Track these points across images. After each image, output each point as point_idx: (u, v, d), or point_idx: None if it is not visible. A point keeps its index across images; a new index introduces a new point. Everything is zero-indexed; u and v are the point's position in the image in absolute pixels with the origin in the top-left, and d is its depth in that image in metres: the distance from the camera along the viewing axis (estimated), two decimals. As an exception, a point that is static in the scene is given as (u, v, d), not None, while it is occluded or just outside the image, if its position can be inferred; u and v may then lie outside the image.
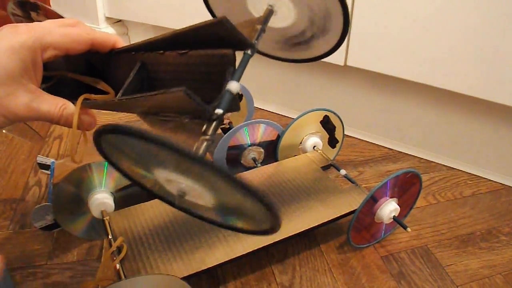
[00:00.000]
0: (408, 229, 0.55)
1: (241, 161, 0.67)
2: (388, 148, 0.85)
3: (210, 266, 0.47)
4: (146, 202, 0.56)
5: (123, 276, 0.45)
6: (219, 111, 0.29)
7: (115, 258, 0.46)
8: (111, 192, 0.55)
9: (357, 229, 0.57)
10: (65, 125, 0.33)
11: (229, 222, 0.34)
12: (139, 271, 0.46)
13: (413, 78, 0.73)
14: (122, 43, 0.36)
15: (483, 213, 0.68)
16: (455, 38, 0.66)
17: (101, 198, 0.53)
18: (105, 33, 0.35)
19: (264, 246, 0.50)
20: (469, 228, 0.65)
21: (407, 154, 0.83)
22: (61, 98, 0.32)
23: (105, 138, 0.28)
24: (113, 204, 0.54)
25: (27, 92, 0.30)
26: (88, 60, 0.38)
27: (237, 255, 0.49)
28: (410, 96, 0.79)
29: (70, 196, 0.54)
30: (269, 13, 0.38)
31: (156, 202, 0.55)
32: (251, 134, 0.66)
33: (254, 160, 0.67)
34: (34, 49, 0.30)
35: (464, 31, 0.65)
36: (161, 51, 0.34)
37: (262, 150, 0.68)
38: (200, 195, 0.29)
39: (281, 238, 0.51)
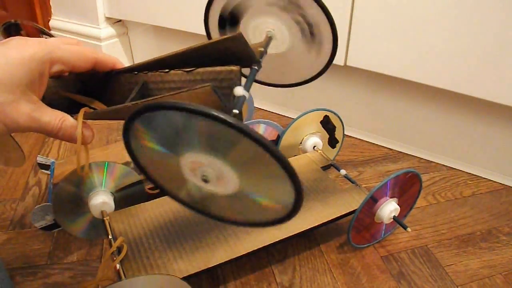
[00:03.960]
0: (408, 229, 0.55)
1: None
2: (388, 148, 0.85)
3: (210, 266, 0.47)
4: (146, 202, 0.56)
5: (123, 276, 0.45)
6: (235, 111, 0.31)
7: (115, 258, 0.47)
8: (111, 192, 0.55)
9: (357, 229, 0.57)
10: (63, 137, 0.33)
11: (244, 213, 0.33)
12: (139, 271, 0.46)
13: (413, 78, 0.73)
14: (121, 64, 0.37)
15: (483, 213, 0.68)
16: (455, 38, 0.66)
17: (101, 198, 0.53)
18: (107, 54, 0.37)
19: (264, 246, 0.50)
20: (469, 228, 0.65)
21: (407, 154, 0.83)
22: (61, 111, 0.33)
23: (141, 120, 0.28)
24: (113, 204, 0.54)
25: (30, 102, 0.31)
26: (82, 81, 0.38)
27: (237, 255, 0.49)
28: (410, 96, 0.79)
29: (70, 196, 0.54)
30: (269, 39, 0.42)
31: (156, 202, 0.56)
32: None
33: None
34: (43, 62, 0.31)
35: (464, 31, 0.65)
36: (166, 70, 0.35)
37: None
38: (224, 179, 0.29)
39: (281, 238, 0.51)
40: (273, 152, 0.25)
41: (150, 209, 0.54)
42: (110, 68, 0.37)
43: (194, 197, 0.34)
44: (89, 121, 0.36)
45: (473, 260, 0.59)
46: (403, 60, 0.72)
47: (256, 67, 0.36)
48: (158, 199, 0.56)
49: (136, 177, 0.57)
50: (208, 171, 0.29)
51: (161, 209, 0.54)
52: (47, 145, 0.82)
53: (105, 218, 0.52)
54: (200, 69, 0.34)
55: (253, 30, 0.44)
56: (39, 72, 0.31)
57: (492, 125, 0.74)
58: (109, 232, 0.50)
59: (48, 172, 0.64)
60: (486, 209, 0.69)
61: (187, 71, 0.35)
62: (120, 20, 1.07)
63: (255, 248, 0.50)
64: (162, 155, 0.31)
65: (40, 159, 0.67)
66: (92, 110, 0.35)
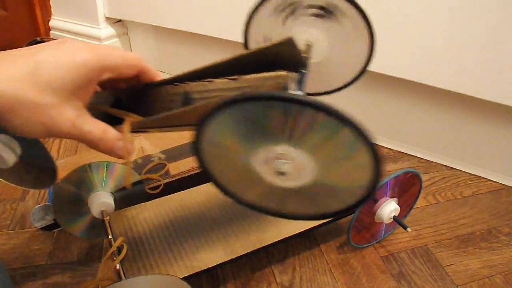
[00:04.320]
0: (408, 229, 0.55)
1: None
2: (388, 148, 0.85)
3: (210, 266, 0.47)
4: (146, 202, 0.56)
5: (123, 276, 0.45)
6: None
7: (115, 258, 0.47)
8: (111, 192, 0.55)
9: (357, 229, 0.57)
10: (104, 149, 0.32)
11: (318, 205, 0.33)
12: (139, 271, 0.46)
13: (413, 78, 0.73)
14: (160, 77, 0.36)
15: (483, 213, 0.68)
16: (455, 38, 0.66)
17: (101, 198, 0.53)
18: (149, 64, 0.35)
19: (264, 246, 0.50)
20: (469, 228, 0.65)
21: (407, 154, 0.83)
22: (103, 122, 0.32)
23: (216, 118, 0.28)
24: (113, 204, 0.54)
25: (74, 108, 0.30)
26: (116, 96, 0.37)
27: (237, 255, 0.49)
28: (410, 96, 0.79)
29: (70, 196, 0.54)
30: (309, 47, 0.42)
31: (156, 202, 0.56)
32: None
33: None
34: (93, 69, 0.30)
35: (463, 31, 0.65)
36: (210, 79, 0.34)
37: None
38: (302, 169, 0.29)
39: (281, 238, 0.51)
40: (354, 124, 0.26)
41: (150, 209, 0.54)
42: (150, 78, 0.36)
43: (265, 196, 0.33)
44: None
45: (473, 260, 0.59)
46: (402, 60, 0.72)
47: (305, 71, 0.36)
48: (158, 199, 0.56)
49: (136, 177, 0.57)
50: (284, 164, 0.29)
51: (161, 209, 0.54)
52: (47, 145, 0.82)
53: (105, 218, 0.52)
54: (247, 76, 0.34)
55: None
56: (88, 79, 0.30)
57: (492, 125, 0.74)
58: (109, 232, 0.50)
59: (48, 172, 0.64)
60: (486, 209, 0.69)
61: (233, 79, 0.34)
62: (120, 20, 1.07)
63: (255, 248, 0.50)
64: (234, 154, 0.30)
65: (40, 159, 0.67)
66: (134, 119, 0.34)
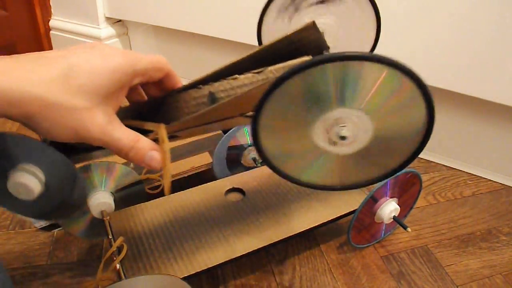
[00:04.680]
0: (408, 229, 0.55)
1: (241, 161, 0.67)
2: (388, 148, 0.85)
3: (210, 266, 0.47)
4: (147, 202, 0.56)
5: (123, 276, 0.45)
6: None
7: (115, 258, 0.47)
8: (111, 192, 0.55)
9: (357, 229, 0.57)
10: (134, 158, 0.31)
11: (375, 166, 0.34)
12: (139, 271, 0.46)
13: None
14: (181, 83, 0.36)
15: (483, 213, 0.68)
16: (455, 37, 0.66)
17: (101, 198, 0.53)
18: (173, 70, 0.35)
19: (264, 246, 0.50)
20: (469, 228, 0.65)
21: (407, 154, 0.83)
22: (134, 131, 0.31)
23: (279, 92, 0.28)
24: (113, 204, 0.54)
25: (106, 114, 0.29)
26: (137, 110, 0.36)
27: (237, 255, 0.49)
28: (410, 96, 0.79)
29: None
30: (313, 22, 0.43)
31: (156, 202, 0.56)
32: (251, 134, 0.66)
33: (254, 160, 0.67)
34: (126, 74, 0.30)
35: (464, 31, 0.65)
36: (234, 76, 0.34)
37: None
38: (362, 128, 0.30)
39: (281, 238, 0.51)
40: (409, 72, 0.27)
41: (150, 209, 0.54)
42: (173, 84, 0.35)
43: (326, 173, 0.33)
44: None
45: (473, 260, 0.59)
46: (402, 60, 0.72)
47: (328, 52, 0.36)
48: (158, 199, 0.56)
49: (136, 177, 0.57)
50: (343, 128, 0.30)
51: (161, 209, 0.54)
52: (47, 145, 0.82)
53: (105, 218, 0.52)
54: (271, 67, 0.33)
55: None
56: (120, 85, 0.30)
57: (492, 125, 0.74)
58: (109, 232, 0.50)
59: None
60: (486, 209, 0.69)
61: (257, 72, 0.33)
62: (120, 20, 1.07)
63: (255, 248, 0.50)
64: (294, 131, 0.30)
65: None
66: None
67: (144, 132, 0.33)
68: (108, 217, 0.52)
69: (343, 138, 0.30)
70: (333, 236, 0.62)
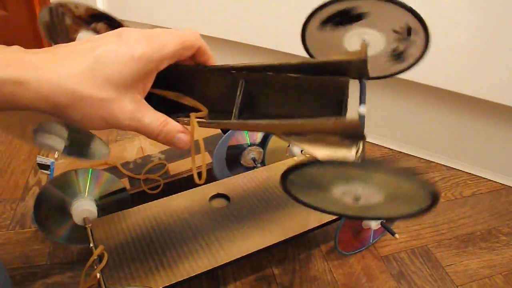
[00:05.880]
0: (396, 235, 0.55)
1: (241, 161, 0.67)
2: (388, 148, 0.85)
3: (193, 275, 0.46)
4: (129, 209, 0.54)
5: (103, 286, 0.43)
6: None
7: (95, 267, 0.46)
8: (94, 200, 0.54)
9: (344, 235, 0.56)
10: (163, 141, 0.33)
11: (395, 211, 0.36)
12: (119, 281, 0.44)
13: (413, 79, 0.73)
14: (214, 60, 0.36)
15: (483, 213, 0.68)
16: (455, 38, 0.66)
17: (84, 205, 0.52)
18: (206, 45, 0.35)
19: (248, 254, 0.49)
20: (469, 228, 0.65)
21: (407, 154, 0.83)
22: (162, 114, 0.32)
23: (295, 174, 0.31)
24: (96, 212, 0.53)
25: (133, 101, 0.30)
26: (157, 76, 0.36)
27: (220, 264, 0.47)
28: (410, 96, 0.79)
29: (54, 199, 0.53)
30: (365, 46, 0.43)
31: (139, 208, 0.54)
32: (250, 134, 0.66)
33: (254, 160, 0.67)
34: (152, 61, 0.30)
35: (464, 31, 0.65)
36: (270, 73, 0.34)
37: (262, 150, 0.68)
38: (372, 194, 0.32)
39: (280, 240, 0.51)
40: None
41: (133, 216, 0.53)
42: (205, 59, 0.35)
43: (346, 209, 0.36)
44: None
45: (473, 260, 0.59)
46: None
47: (365, 81, 0.37)
48: (141, 205, 0.55)
49: (120, 184, 0.56)
50: (357, 193, 0.32)
51: (144, 215, 0.53)
52: (47, 145, 0.82)
53: (87, 226, 0.51)
54: (307, 76, 0.34)
55: (349, 37, 0.44)
56: (146, 72, 0.30)
57: (492, 125, 0.74)
58: (91, 239, 0.49)
59: (48, 172, 0.64)
60: (486, 209, 0.69)
61: (293, 77, 0.34)
62: (120, 20, 1.07)
63: (238, 256, 0.48)
64: (315, 193, 0.35)
65: (40, 159, 0.67)
66: (195, 114, 0.34)
67: (176, 105, 0.35)
68: (90, 225, 0.51)
69: (357, 198, 0.32)
70: (333, 237, 0.62)
